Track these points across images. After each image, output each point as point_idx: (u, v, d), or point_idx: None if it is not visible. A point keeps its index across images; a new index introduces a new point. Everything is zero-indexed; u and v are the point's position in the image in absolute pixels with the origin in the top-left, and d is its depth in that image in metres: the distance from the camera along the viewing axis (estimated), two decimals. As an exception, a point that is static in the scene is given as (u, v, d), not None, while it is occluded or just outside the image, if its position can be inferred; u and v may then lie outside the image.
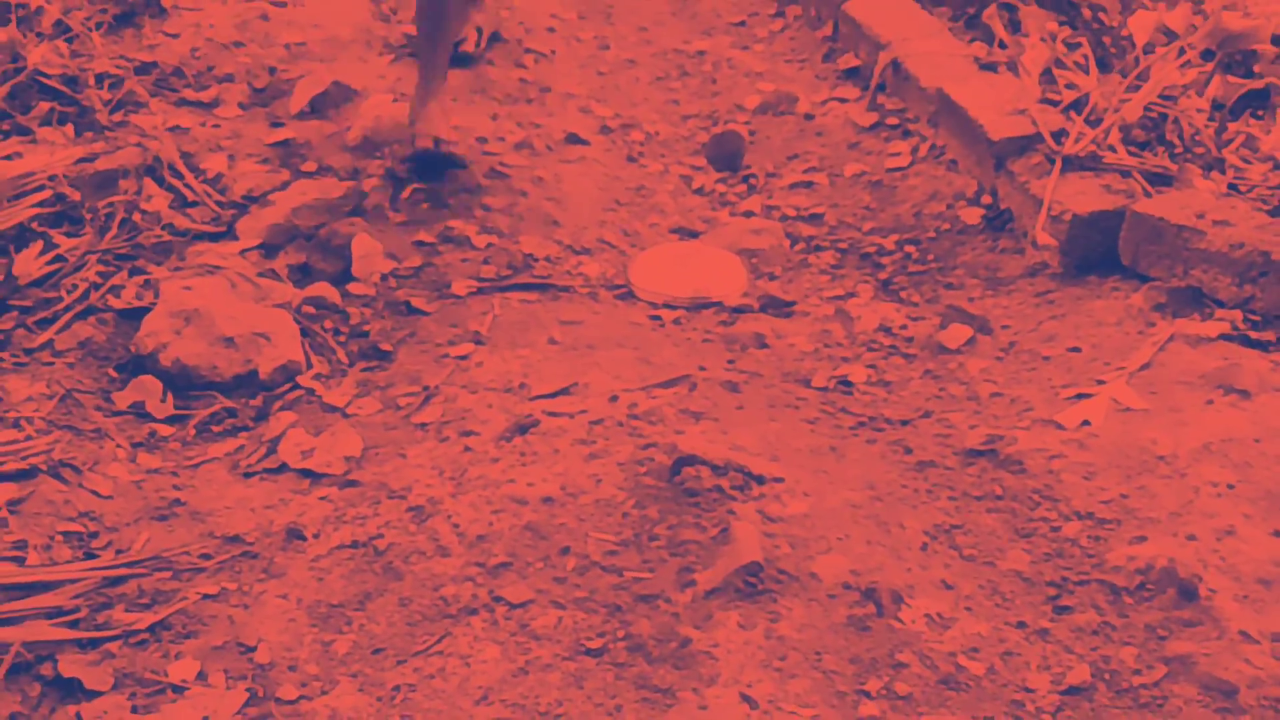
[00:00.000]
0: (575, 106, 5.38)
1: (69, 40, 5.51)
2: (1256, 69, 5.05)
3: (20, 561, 3.30)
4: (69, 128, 5.01)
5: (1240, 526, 3.28)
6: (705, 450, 3.45)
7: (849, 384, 3.93)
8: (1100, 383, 3.80)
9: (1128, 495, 3.41)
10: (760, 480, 3.40)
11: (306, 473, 3.62)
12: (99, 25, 5.67)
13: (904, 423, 3.76)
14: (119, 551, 3.39)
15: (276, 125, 5.16)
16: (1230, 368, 3.77)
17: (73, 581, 3.26)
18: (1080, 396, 3.76)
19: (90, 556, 3.38)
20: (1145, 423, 3.63)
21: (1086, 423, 3.65)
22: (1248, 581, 3.15)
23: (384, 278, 4.38)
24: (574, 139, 5.11)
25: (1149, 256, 4.22)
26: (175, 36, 5.69)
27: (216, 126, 5.15)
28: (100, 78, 5.30)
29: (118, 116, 5.14)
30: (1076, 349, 4.00)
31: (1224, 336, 3.93)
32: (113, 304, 4.23)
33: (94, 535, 3.44)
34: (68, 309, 4.20)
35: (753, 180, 5.03)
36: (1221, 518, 3.31)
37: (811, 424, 3.72)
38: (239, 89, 5.39)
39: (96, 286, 4.30)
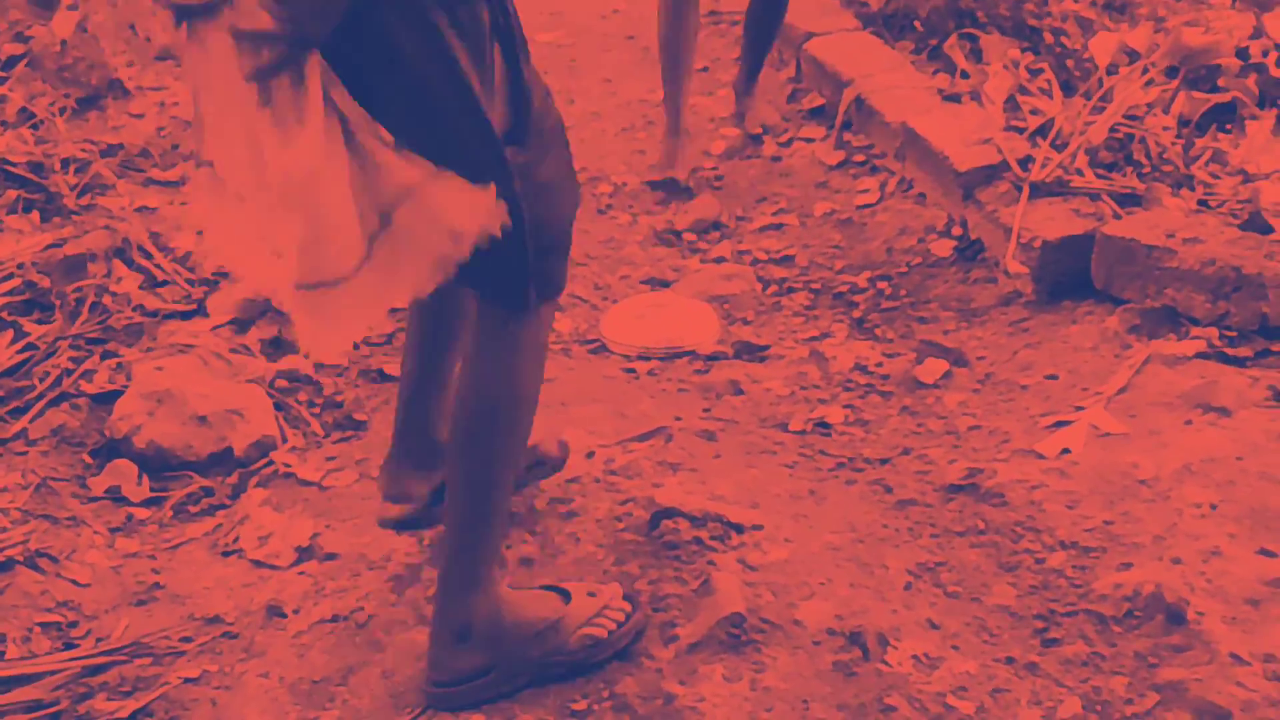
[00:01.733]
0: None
1: (33, 127, 5.51)
2: (1221, 83, 5.05)
3: (-1, 655, 3.27)
4: (35, 214, 5.00)
5: (1225, 546, 3.26)
6: (683, 502, 3.43)
7: (826, 425, 3.90)
8: (1079, 409, 3.78)
9: (1111, 521, 3.38)
10: (739, 529, 3.37)
11: (259, 563, 3.57)
12: (63, 110, 5.68)
13: (883, 461, 3.73)
14: (99, 640, 3.36)
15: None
16: (1208, 386, 3.75)
17: (53, 673, 3.23)
18: (1059, 424, 3.74)
19: (70, 646, 3.35)
20: (1125, 447, 3.61)
21: (1066, 450, 3.63)
22: (1236, 602, 3.12)
23: (356, 346, 4.36)
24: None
25: (1122, 278, 4.20)
26: (140, 117, 5.70)
27: (184, 204, 5.13)
28: (66, 162, 5.30)
29: (85, 200, 5.13)
30: (1054, 376, 3.98)
31: (1200, 355, 3.91)
32: (86, 389, 4.20)
33: (73, 624, 3.41)
34: (40, 397, 4.18)
35: (723, 226, 5.01)
36: (1206, 539, 3.28)
37: (790, 468, 3.69)
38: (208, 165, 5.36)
39: (69, 373, 4.27)
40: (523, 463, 3.27)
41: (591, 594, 3.12)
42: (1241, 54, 5.21)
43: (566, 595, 3.14)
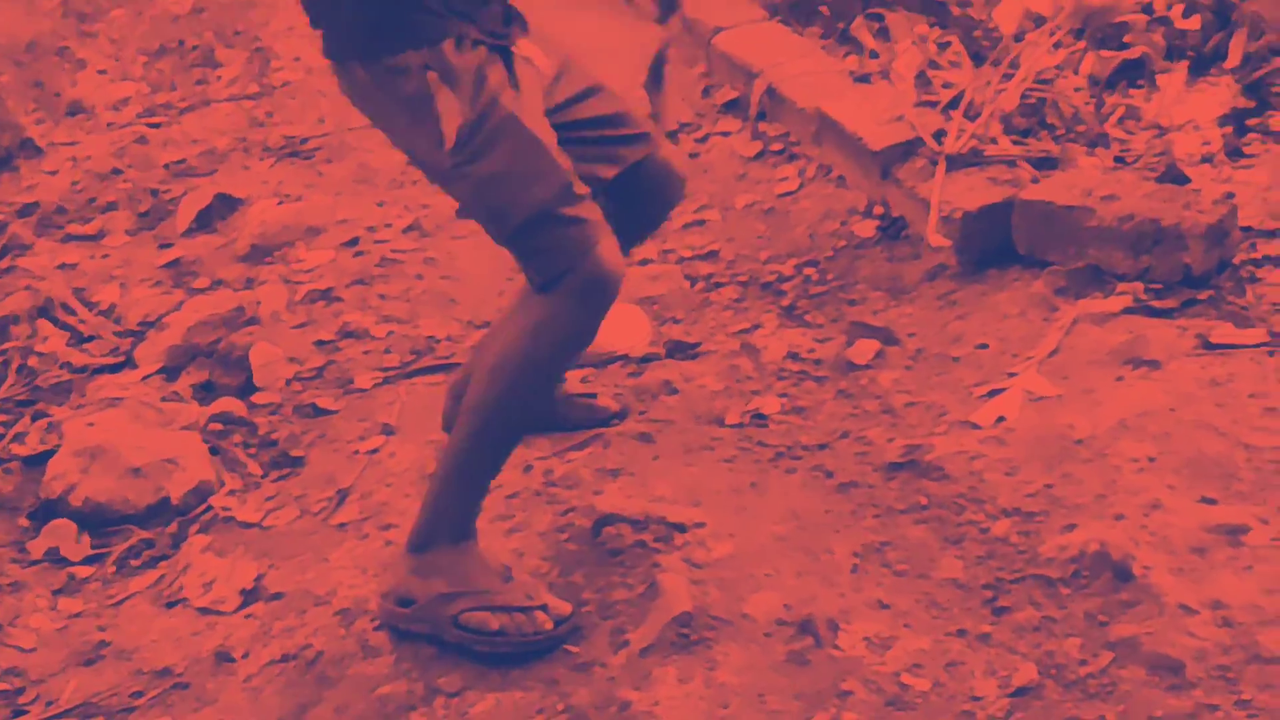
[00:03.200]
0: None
1: (-55, 192, 5.48)
2: (1128, 40, 5.05)
3: (-53, 730, 3.23)
4: (-42, 279, 4.97)
5: (1166, 499, 3.26)
6: (624, 507, 3.42)
7: (763, 416, 3.88)
8: (1012, 375, 3.78)
9: (1052, 485, 3.38)
10: (682, 529, 3.36)
11: (205, 610, 3.55)
12: (-24, 172, 5.64)
13: (821, 447, 3.72)
14: (48, 704, 3.32)
15: (165, 246, 5.13)
16: (1137, 340, 3.76)
17: (4, 741, 3.20)
18: (993, 393, 3.73)
19: (19, 713, 3.31)
20: (1060, 409, 3.61)
21: (1002, 419, 3.63)
22: (1181, 553, 3.13)
23: (288, 382, 4.33)
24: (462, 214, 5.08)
25: (1044, 242, 4.21)
26: (53, 174, 5.67)
27: (106, 257, 5.12)
28: (-16, 223, 5.26)
29: (4, 263, 5.10)
30: (984, 345, 3.98)
31: (1127, 310, 3.92)
32: (17, 452, 4.17)
33: (20, 691, 3.37)
34: (-28, 463, 4.14)
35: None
36: (1147, 492, 3.29)
37: (729, 463, 3.68)
38: (124, 216, 5.36)
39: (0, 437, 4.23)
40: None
41: (529, 595, 3.17)
42: (1146, 9, 5.21)
43: (509, 573, 3.22)
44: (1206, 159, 4.44)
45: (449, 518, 3.20)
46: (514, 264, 3.21)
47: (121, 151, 5.73)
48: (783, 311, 4.42)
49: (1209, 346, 3.72)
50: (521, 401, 3.15)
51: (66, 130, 6.01)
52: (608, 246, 3.06)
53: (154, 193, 5.46)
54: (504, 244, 3.18)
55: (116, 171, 5.60)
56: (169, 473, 3.97)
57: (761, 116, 5.34)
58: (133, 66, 6.44)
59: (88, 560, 3.83)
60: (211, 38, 6.70)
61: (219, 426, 4.19)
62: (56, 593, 3.72)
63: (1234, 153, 4.51)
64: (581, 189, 3.08)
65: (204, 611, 3.55)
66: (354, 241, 4.95)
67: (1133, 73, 4.96)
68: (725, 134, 5.40)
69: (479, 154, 3.05)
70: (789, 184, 5.00)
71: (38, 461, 4.11)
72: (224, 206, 5.27)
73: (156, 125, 5.93)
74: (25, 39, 6.56)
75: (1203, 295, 3.94)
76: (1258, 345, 3.70)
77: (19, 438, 4.23)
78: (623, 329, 4.32)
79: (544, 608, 3.14)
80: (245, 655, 3.34)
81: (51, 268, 4.98)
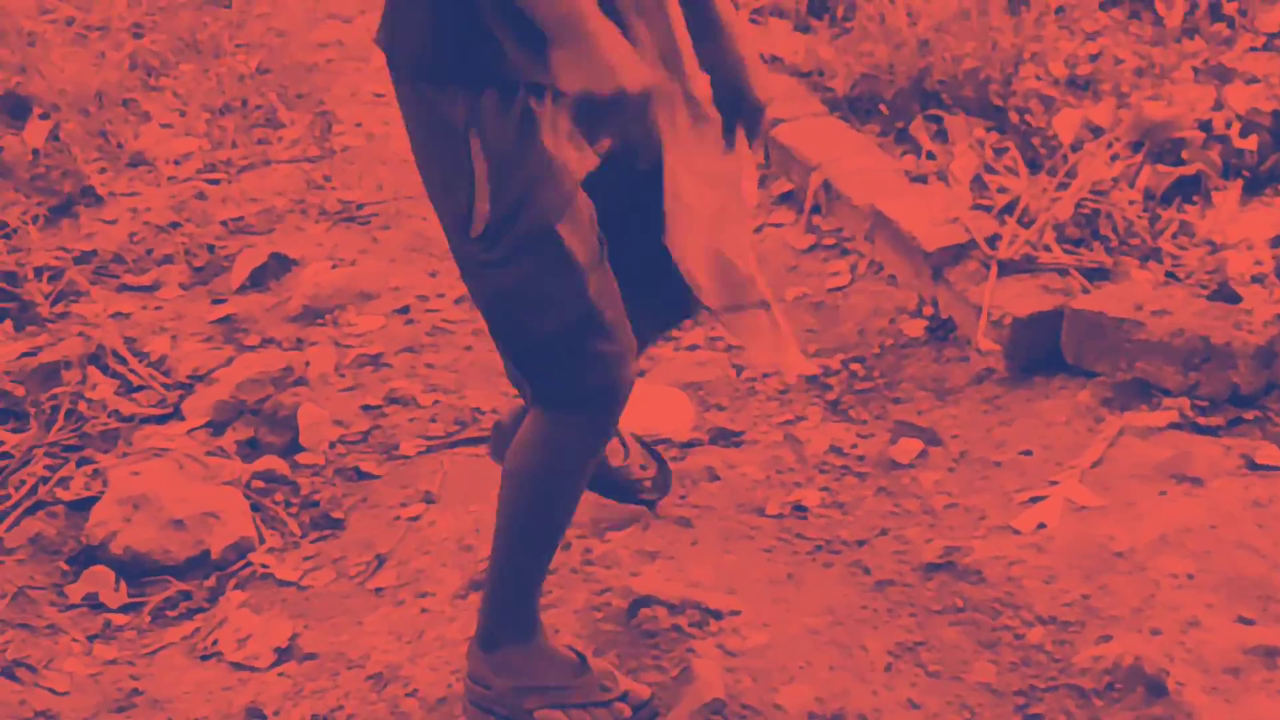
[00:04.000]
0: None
1: (6, 236, 5.53)
2: (1185, 156, 5.08)
3: (-23, 769, 3.25)
4: (9, 323, 5.02)
5: (1204, 617, 3.26)
6: (661, 590, 3.43)
7: (803, 509, 3.90)
8: (1053, 483, 3.79)
9: (1089, 595, 3.38)
10: (718, 615, 3.37)
11: (239, 665, 3.56)
12: (35, 219, 5.70)
13: (860, 543, 3.73)
14: (79, 749, 3.34)
15: (218, 302, 5.17)
16: (1181, 456, 3.77)
17: (32, 784, 3.22)
18: (1035, 500, 3.74)
19: (50, 757, 3.33)
20: (1101, 519, 3.62)
21: (1042, 525, 3.64)
22: (1215, 672, 3.13)
23: (332, 445, 4.36)
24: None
25: (1092, 352, 4.22)
26: (112, 223, 5.72)
27: (158, 309, 5.16)
28: (40, 270, 5.32)
29: (59, 308, 5.15)
30: (1028, 452, 3.99)
31: (1173, 425, 3.93)
32: (61, 496, 4.21)
33: (52, 735, 3.39)
34: (16, 505, 4.18)
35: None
36: (1185, 609, 3.29)
37: (768, 553, 3.69)
38: (179, 269, 5.40)
39: (45, 480, 4.27)
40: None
41: (606, 685, 3.14)
42: (1204, 126, 5.24)
43: (584, 665, 3.16)
44: (1258, 279, 4.44)
45: (508, 618, 3.13)
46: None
47: (180, 205, 5.78)
48: (827, 405, 4.43)
49: (1253, 467, 3.73)
50: (550, 507, 3.08)
51: (127, 181, 6.07)
52: (626, 373, 2.93)
53: (210, 248, 5.51)
54: (507, 358, 2.99)
55: (174, 225, 5.65)
56: (210, 526, 4.00)
57: (816, 210, 5.37)
58: (196, 122, 6.50)
59: (124, 608, 3.86)
60: (275, 99, 6.77)
61: (262, 484, 4.22)
62: (92, 638, 3.75)
63: (1287, 274, 4.53)
64: (615, 315, 2.87)
65: (237, 667, 3.57)
66: (405, 309, 4.99)
67: (1188, 189, 4.99)
68: (779, 225, 5.43)
69: (504, 258, 2.78)
70: (840, 279, 5.02)
71: (81, 507, 4.15)
72: (278, 266, 5.31)
73: (216, 182, 5.98)
74: (92, 89, 6.64)
75: (1250, 415, 3.95)
76: (1302, 468, 3.71)
77: (63, 482, 4.26)
78: (665, 412, 4.35)
79: (624, 696, 3.12)
80: (276, 713, 3.35)
81: (105, 316, 5.03)
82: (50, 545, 4.05)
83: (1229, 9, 6.41)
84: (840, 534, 3.78)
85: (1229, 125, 5.22)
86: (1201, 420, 3.94)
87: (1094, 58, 6.25)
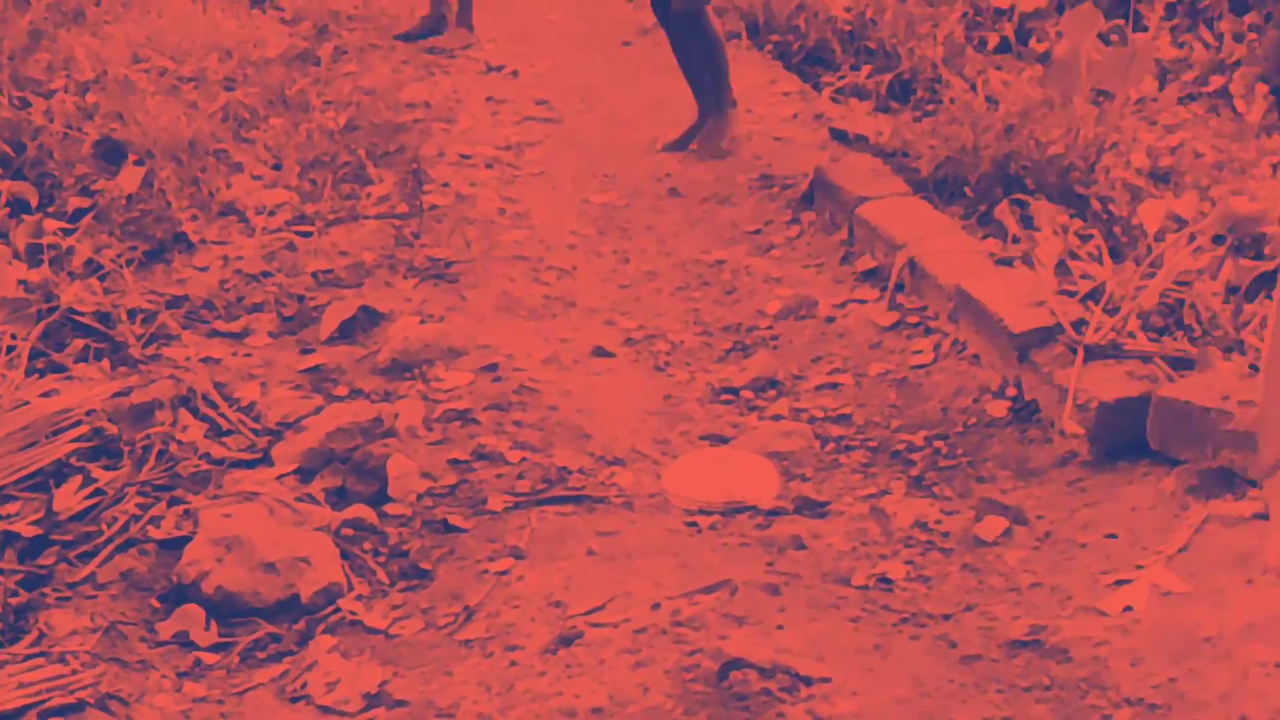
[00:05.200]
0: (599, 320, 5.46)
1: (101, 278, 5.62)
2: (1267, 250, 5.13)
3: (72, 797, 3.30)
4: (104, 363, 5.11)
5: (1291, 705, 3.28)
6: (751, 653, 3.47)
7: (889, 581, 3.94)
8: (1139, 567, 3.82)
9: (1176, 679, 3.40)
10: (808, 681, 3.41)
11: (327, 709, 3.61)
12: (129, 262, 5.80)
13: (946, 617, 3.77)
14: (171, 782, 3.39)
15: (307, 351, 5.25)
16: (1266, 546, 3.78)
17: (126, 815, 3.26)
18: (1120, 583, 3.77)
19: (144, 789, 3.38)
20: (1188, 605, 3.64)
21: (1129, 608, 3.67)
22: (1303, 760, 3.15)
23: (420, 497, 4.42)
24: (600, 351, 5.19)
25: (1178, 439, 4.26)
26: (204, 270, 5.81)
27: (248, 355, 5.24)
28: (132, 313, 5.41)
29: (151, 350, 5.24)
30: (1113, 535, 4.03)
31: (1258, 515, 3.95)
32: (153, 535, 4.27)
33: (144, 767, 3.44)
34: (109, 541, 4.24)
35: (779, 384, 5.06)
36: (1273, 697, 3.31)
37: (854, 622, 3.73)
38: (268, 318, 5.48)
39: (136, 518, 4.34)
40: None
41: None
42: (1286, 222, 5.30)
43: None
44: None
45: None
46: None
47: (271, 255, 5.87)
48: (912, 481, 4.48)
49: (1339, 560, 3.75)
50: None
51: (218, 229, 6.16)
52: None
53: (299, 298, 5.59)
54: None
55: (265, 274, 5.74)
56: (300, 571, 4.06)
57: (900, 288, 5.43)
58: (287, 175, 6.60)
59: (214, 648, 3.91)
60: (363, 155, 6.87)
61: (350, 532, 4.28)
62: (181, 675, 3.80)
63: (1370, 372, 4.55)
64: None
65: (326, 710, 3.62)
66: (493, 367, 5.04)
67: (1271, 282, 5.02)
68: (862, 301, 5.49)
69: None
70: (923, 357, 5.08)
71: (171, 546, 4.20)
72: (367, 319, 5.39)
73: (306, 234, 6.07)
74: (185, 138, 6.75)
75: (1335, 508, 3.97)
76: (1388, 563, 3.73)
77: (155, 521, 4.32)
78: (752, 480, 4.40)
79: None
80: (367, 757, 3.40)
81: (195, 360, 5.10)
82: (142, 582, 4.10)
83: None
84: (926, 607, 3.81)
85: (1311, 220, 5.27)
86: (1287, 511, 3.96)
87: (1174, 150, 6.32)
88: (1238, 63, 7.70)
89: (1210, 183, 5.96)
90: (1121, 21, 8.39)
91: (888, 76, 7.87)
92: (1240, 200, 5.36)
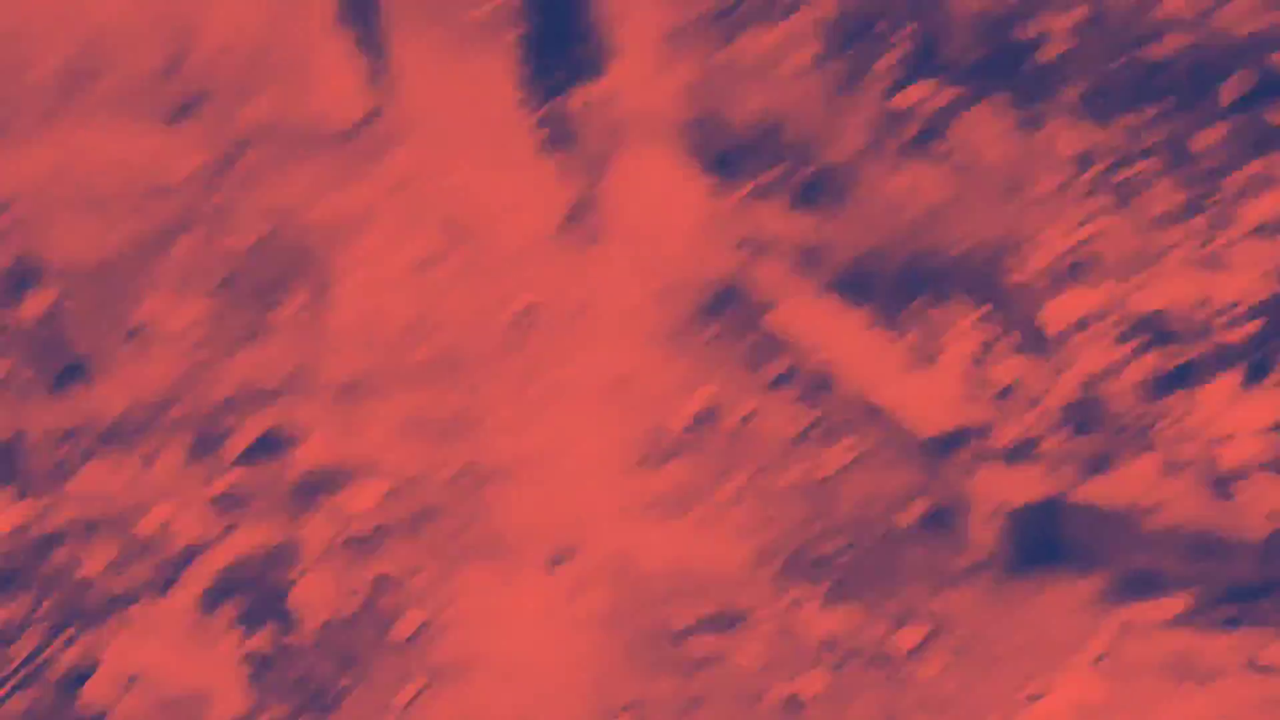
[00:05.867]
0: (509, 434, 5.43)
1: (5, 405, 5.54)
2: (1177, 346, 5.14)
3: None
4: (10, 490, 5.02)
5: (1213, 816, 3.25)
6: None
7: (801, 701, 3.89)
8: (1059, 677, 3.79)
9: (1096, 792, 3.37)
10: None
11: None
12: (36, 390, 5.71)
13: (864, 733, 3.72)
14: None
15: (214, 477, 5.17)
16: (1186, 651, 3.76)
17: None
18: (1036, 697, 3.73)
19: None
20: (1108, 717, 3.61)
21: (1048, 722, 3.63)
22: None
23: (326, 623, 4.34)
24: (508, 467, 5.17)
25: (1093, 544, 4.24)
26: (111, 396, 5.73)
27: (154, 482, 5.15)
28: (41, 439, 5.32)
29: (57, 477, 5.15)
30: (1030, 644, 3.99)
31: (1178, 619, 3.93)
32: (52, 670, 4.17)
33: None
34: (9, 677, 4.16)
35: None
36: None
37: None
38: (175, 443, 5.40)
39: (38, 653, 4.25)
40: None
41: None
42: (1199, 316, 5.31)
43: None
44: (1263, 467, 4.47)
45: None
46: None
47: (179, 379, 5.81)
48: (825, 593, 4.43)
49: (1256, 665, 3.72)
50: None
51: (128, 353, 6.09)
52: None
53: (208, 423, 5.52)
54: None
55: (172, 399, 5.67)
56: (203, 704, 3.98)
57: (812, 394, 5.41)
58: (196, 295, 6.56)
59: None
60: (275, 273, 6.83)
61: (256, 660, 4.20)
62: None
63: (1285, 464, 4.56)
64: None
65: None
66: (399, 488, 4.99)
67: (1183, 378, 5.03)
68: (774, 409, 5.46)
69: None
70: (836, 463, 5.04)
71: (73, 681, 4.11)
72: (275, 442, 5.33)
73: (218, 356, 6.02)
74: (97, 260, 6.70)
75: (1252, 609, 3.95)
76: (1306, 665, 3.71)
77: (57, 656, 4.24)
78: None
79: None
80: None
81: (101, 489, 5.02)
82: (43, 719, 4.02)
83: (1214, 198, 6.51)
84: (845, 722, 3.77)
85: (1220, 314, 5.28)
86: (1206, 614, 3.94)
87: (1083, 244, 6.35)
88: (1144, 153, 7.77)
89: (1121, 275, 5.98)
90: (1032, 113, 8.49)
91: (799, 176, 7.89)
92: (1147, 295, 5.38)
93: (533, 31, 7.47)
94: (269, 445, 5.31)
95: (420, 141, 9.23)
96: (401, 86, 9.75)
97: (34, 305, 6.29)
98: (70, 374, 5.95)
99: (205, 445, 5.41)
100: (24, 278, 6.62)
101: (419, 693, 4.00)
